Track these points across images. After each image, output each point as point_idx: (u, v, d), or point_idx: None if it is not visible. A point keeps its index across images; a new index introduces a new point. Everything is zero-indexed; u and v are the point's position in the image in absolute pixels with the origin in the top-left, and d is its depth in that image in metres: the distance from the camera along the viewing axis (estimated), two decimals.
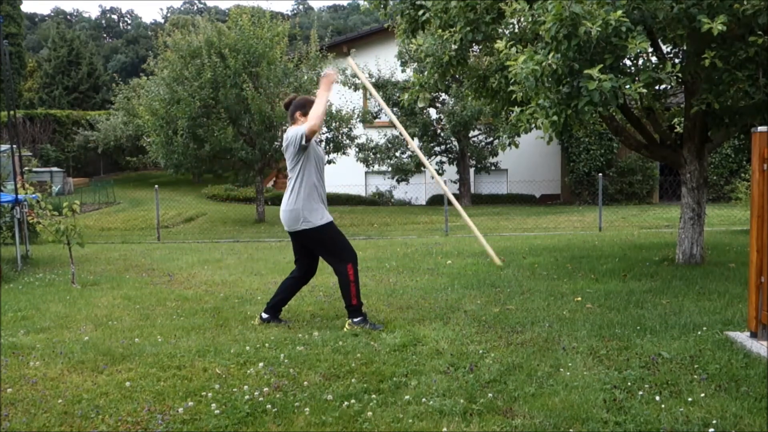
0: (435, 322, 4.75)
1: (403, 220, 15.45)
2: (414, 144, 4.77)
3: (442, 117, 17.68)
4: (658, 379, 3.41)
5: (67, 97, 32.57)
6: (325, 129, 16.48)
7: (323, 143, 16.56)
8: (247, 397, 3.29)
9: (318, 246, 4.66)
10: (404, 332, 4.42)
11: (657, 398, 3.14)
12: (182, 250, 10.50)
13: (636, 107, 7.38)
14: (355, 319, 4.59)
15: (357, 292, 4.60)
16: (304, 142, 4.47)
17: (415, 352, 3.99)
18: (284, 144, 4.61)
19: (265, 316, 4.84)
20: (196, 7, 68.62)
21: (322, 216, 4.54)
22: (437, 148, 18.33)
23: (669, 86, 6.35)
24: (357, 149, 17.90)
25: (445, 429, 2.90)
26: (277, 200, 19.91)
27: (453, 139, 18.05)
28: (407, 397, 3.26)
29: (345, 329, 4.55)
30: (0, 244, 8.92)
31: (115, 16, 74.91)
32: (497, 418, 3.00)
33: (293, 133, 4.52)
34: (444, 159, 18.54)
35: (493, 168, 18.90)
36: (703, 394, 3.17)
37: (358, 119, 17.08)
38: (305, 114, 4.60)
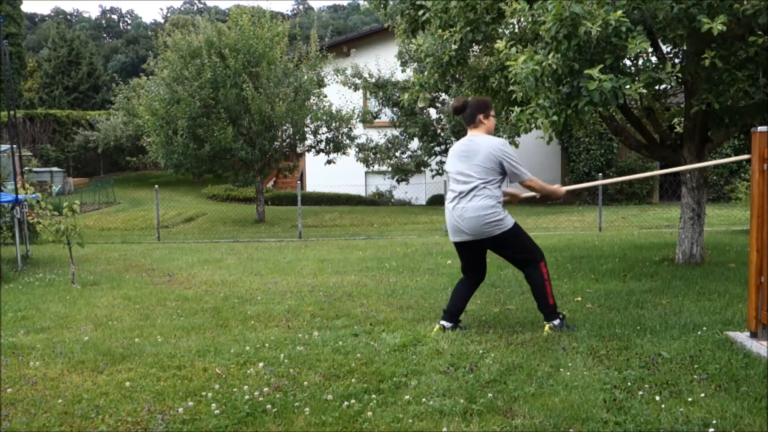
0: (435, 322, 4.74)
1: (403, 220, 15.45)
2: None
3: (442, 117, 17.68)
4: (658, 379, 3.41)
5: (67, 97, 32.56)
6: (325, 129, 16.49)
7: (323, 143, 16.58)
8: (247, 397, 3.29)
9: (509, 247, 4.45)
10: (404, 332, 4.42)
11: (657, 398, 3.14)
12: (182, 250, 10.50)
13: (636, 107, 7.38)
14: (555, 322, 4.39)
15: (551, 290, 4.45)
16: (515, 182, 4.40)
17: (415, 352, 3.99)
18: (492, 156, 4.29)
19: (448, 324, 4.51)
20: (196, 7, 68.61)
21: (510, 218, 4.39)
22: (437, 148, 18.32)
23: (669, 86, 6.34)
24: (357, 149, 17.89)
25: (445, 429, 2.90)
26: (276, 200, 19.99)
27: (453, 139, 18.02)
28: (407, 397, 3.26)
29: (546, 332, 4.36)
30: (0, 244, 8.92)
31: (115, 16, 74.92)
32: (497, 418, 3.00)
33: (511, 153, 4.31)
34: (444, 159, 18.52)
35: None
36: (703, 394, 3.17)
37: (358, 119, 17.08)
38: (487, 117, 4.46)
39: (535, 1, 5.15)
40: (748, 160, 4.09)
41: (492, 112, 4.51)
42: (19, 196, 8.20)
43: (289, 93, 15.06)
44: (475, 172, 4.32)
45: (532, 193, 4.59)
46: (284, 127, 15.54)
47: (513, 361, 3.75)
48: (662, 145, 7.36)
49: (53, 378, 3.69)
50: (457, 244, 4.52)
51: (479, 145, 4.35)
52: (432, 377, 3.52)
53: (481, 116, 4.46)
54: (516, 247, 4.44)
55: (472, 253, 4.54)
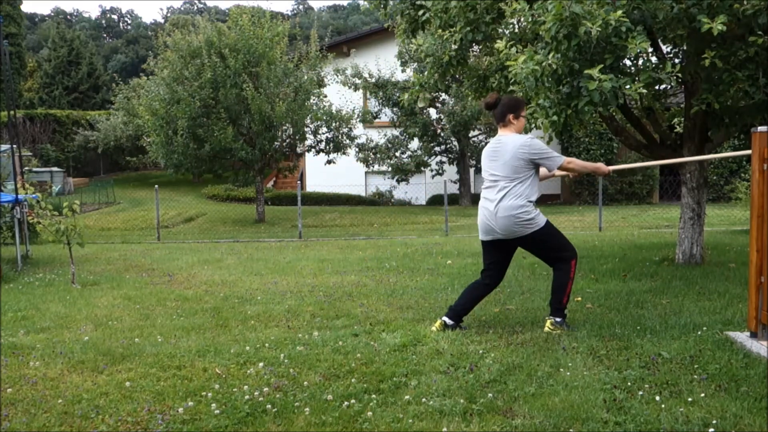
0: (435, 322, 4.74)
1: (403, 220, 15.44)
2: None
3: (442, 117, 17.68)
4: (658, 379, 3.41)
5: (67, 97, 32.56)
6: (325, 129, 16.49)
7: (323, 143, 16.57)
8: (247, 397, 3.29)
9: (541, 246, 4.45)
10: (404, 332, 4.42)
11: (657, 398, 3.14)
12: (182, 250, 10.50)
13: (636, 107, 7.38)
14: (558, 319, 4.42)
15: (570, 291, 4.45)
16: (553, 170, 4.40)
17: (415, 352, 3.99)
18: (517, 156, 4.30)
19: (450, 322, 4.52)
20: (196, 7, 68.63)
21: (541, 216, 4.38)
22: (437, 148, 18.33)
23: (669, 86, 6.34)
24: (357, 149, 17.90)
25: (445, 429, 2.90)
26: (276, 200, 19.99)
27: (453, 139, 18.05)
28: (407, 397, 3.26)
29: (546, 328, 4.39)
30: (0, 244, 8.92)
31: (115, 16, 74.92)
32: (497, 418, 3.00)
33: (538, 146, 4.30)
34: (444, 159, 18.53)
35: None
36: (703, 394, 3.17)
37: (358, 119, 17.08)
38: (518, 117, 4.45)
39: (535, 1, 5.15)
40: (749, 160, 4.10)
41: (523, 113, 4.51)
42: (19, 196, 8.20)
43: (289, 93, 15.06)
44: (503, 172, 4.35)
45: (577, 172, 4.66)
46: (284, 127, 15.53)
47: (513, 361, 3.75)
48: (662, 145, 7.36)
49: (53, 378, 3.69)
50: (485, 242, 4.54)
51: (506, 144, 4.37)
52: (432, 377, 3.52)
53: (511, 116, 4.46)
54: (549, 245, 4.45)
55: (501, 251, 4.55)
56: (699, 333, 4.20)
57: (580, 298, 5.48)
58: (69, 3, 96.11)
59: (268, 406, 3.17)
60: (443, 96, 17.76)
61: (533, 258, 8.01)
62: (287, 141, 16.02)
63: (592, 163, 4.58)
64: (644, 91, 4.89)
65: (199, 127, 14.56)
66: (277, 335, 4.51)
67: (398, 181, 18.67)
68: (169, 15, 61.27)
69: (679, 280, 6.12)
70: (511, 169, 4.32)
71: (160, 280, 7.22)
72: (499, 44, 5.36)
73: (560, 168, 4.43)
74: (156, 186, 13.67)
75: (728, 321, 4.51)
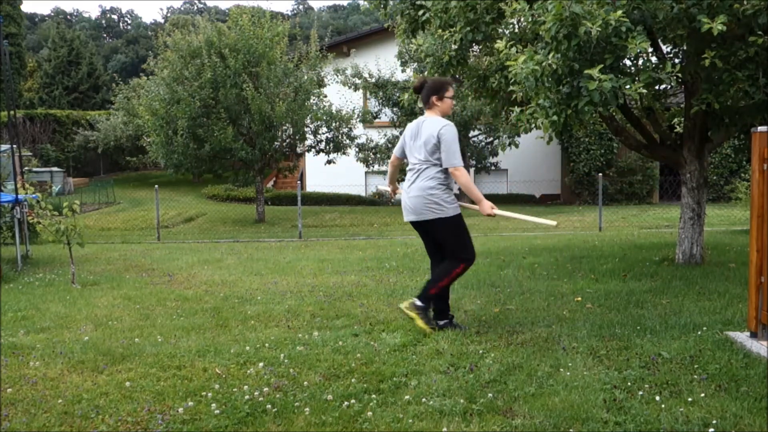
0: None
1: (403, 220, 15.41)
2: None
3: None
4: (658, 379, 3.41)
5: (67, 97, 32.56)
6: (325, 129, 16.48)
7: (323, 143, 16.56)
8: (247, 397, 3.29)
9: (443, 235, 4.41)
10: (404, 332, 4.42)
11: (657, 398, 3.14)
12: (182, 250, 10.50)
13: (636, 107, 7.38)
14: (419, 303, 4.37)
15: (444, 287, 4.42)
16: (449, 166, 4.27)
17: (415, 352, 3.99)
18: (435, 137, 4.27)
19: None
20: (196, 7, 68.64)
21: (454, 208, 4.34)
22: None
23: (669, 86, 6.34)
24: (357, 149, 17.89)
25: (445, 429, 2.90)
26: (276, 200, 19.98)
27: None
28: (407, 397, 3.26)
29: (404, 305, 4.39)
30: (0, 244, 8.92)
31: (115, 16, 74.94)
32: (497, 418, 3.00)
33: (449, 136, 4.23)
34: None
35: (493, 168, 18.89)
36: (703, 394, 3.17)
37: (358, 119, 17.08)
38: (441, 98, 4.40)
39: (535, 1, 5.15)
40: (749, 160, 4.10)
41: (448, 94, 4.43)
42: (19, 196, 8.20)
43: (289, 93, 15.05)
44: (420, 154, 4.39)
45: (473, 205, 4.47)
46: (284, 127, 15.52)
47: (513, 361, 3.75)
48: (662, 145, 7.36)
49: (53, 378, 3.69)
50: (412, 225, 4.59)
51: (425, 126, 4.38)
52: (432, 377, 3.52)
53: (434, 98, 4.43)
54: (450, 239, 4.41)
55: (427, 235, 4.57)
56: (699, 333, 4.21)
57: (580, 298, 5.48)
58: (69, 3, 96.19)
59: (268, 406, 3.17)
60: None
61: (533, 258, 8.03)
62: (287, 141, 16.01)
63: (481, 195, 4.34)
64: (644, 91, 4.89)
65: (199, 127, 14.56)
66: (277, 335, 4.51)
67: (398, 182, 18.66)
68: (169, 15, 61.28)
69: (679, 280, 6.12)
70: (425, 152, 4.35)
71: (160, 280, 7.22)
72: (499, 44, 5.36)
73: (450, 170, 4.29)
74: (156, 186, 13.67)
75: (728, 321, 4.51)
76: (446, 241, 4.43)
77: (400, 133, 18.20)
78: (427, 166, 4.35)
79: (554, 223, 4.42)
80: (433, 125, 4.34)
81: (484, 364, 3.70)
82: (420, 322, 4.37)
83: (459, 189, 4.47)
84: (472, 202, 4.44)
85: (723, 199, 16.41)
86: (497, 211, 4.38)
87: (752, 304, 3.89)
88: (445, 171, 4.31)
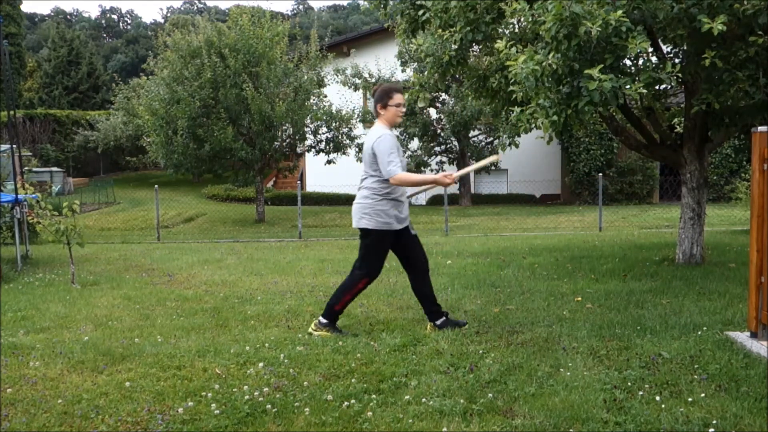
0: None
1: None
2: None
3: (442, 117, 17.68)
4: (658, 379, 3.41)
5: (67, 97, 32.56)
6: (325, 129, 16.48)
7: (323, 143, 16.56)
8: (247, 397, 3.29)
9: (361, 244, 4.47)
10: (404, 332, 4.42)
11: (657, 398, 3.14)
12: (182, 250, 10.49)
13: (636, 107, 7.38)
14: (324, 320, 4.47)
15: (347, 303, 4.50)
16: (387, 177, 4.25)
17: (415, 352, 3.99)
18: (370, 149, 4.32)
19: (438, 322, 4.51)
20: (196, 7, 68.64)
21: (380, 223, 4.33)
22: (437, 148, 18.32)
23: (669, 86, 6.34)
24: (357, 149, 17.88)
25: (445, 429, 2.90)
26: (276, 200, 19.98)
27: (453, 139, 18.04)
28: (407, 397, 3.26)
29: (310, 329, 4.49)
30: (0, 244, 8.92)
31: (115, 16, 74.93)
32: (497, 418, 3.00)
33: (381, 147, 4.23)
34: (444, 159, 18.53)
35: (493, 168, 18.90)
36: (703, 394, 3.17)
37: (358, 119, 17.08)
38: (384, 106, 4.38)
39: (535, 1, 5.15)
40: (749, 160, 4.10)
41: (391, 101, 4.37)
42: (19, 196, 8.20)
43: (289, 93, 15.05)
44: (364, 164, 4.42)
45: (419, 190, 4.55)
46: (284, 127, 15.53)
47: (513, 361, 3.75)
48: (662, 145, 7.36)
49: (53, 378, 3.69)
50: None
51: (367, 138, 4.43)
52: (432, 377, 3.52)
53: (378, 106, 4.42)
54: (363, 249, 4.48)
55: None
56: (699, 333, 4.21)
57: (580, 298, 5.48)
58: (69, 3, 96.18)
59: (268, 406, 3.17)
60: (443, 96, 17.77)
61: (533, 258, 8.03)
62: (287, 141, 16.01)
63: (428, 176, 4.34)
64: (644, 91, 4.89)
65: (199, 127, 14.56)
66: (277, 335, 4.51)
67: None
68: (169, 15, 61.29)
69: (679, 280, 6.12)
70: (365, 163, 4.40)
71: (160, 280, 7.22)
72: (499, 44, 5.36)
73: (391, 181, 4.25)
74: (156, 186, 13.67)
75: (728, 321, 4.51)
76: (362, 250, 4.49)
77: (400, 133, 18.27)
78: (365, 176, 4.41)
79: (496, 157, 4.56)
80: (370, 137, 4.36)
81: (484, 364, 3.70)
82: (326, 333, 4.41)
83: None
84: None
85: (723, 199, 16.40)
86: (455, 174, 4.39)
87: (752, 304, 3.89)
88: (386, 181, 4.31)
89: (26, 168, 15.12)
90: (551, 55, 4.87)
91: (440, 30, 6.27)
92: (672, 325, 4.41)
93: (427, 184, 4.44)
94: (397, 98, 4.41)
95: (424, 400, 3.21)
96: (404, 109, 4.47)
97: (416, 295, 4.69)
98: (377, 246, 4.43)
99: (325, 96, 16.42)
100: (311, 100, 15.84)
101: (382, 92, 4.43)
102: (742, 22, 5.17)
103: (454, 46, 6.20)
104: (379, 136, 4.29)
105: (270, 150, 15.37)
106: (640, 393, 3.21)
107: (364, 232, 4.41)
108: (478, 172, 19.35)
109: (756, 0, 4.94)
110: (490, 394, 3.25)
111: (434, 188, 4.37)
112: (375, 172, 4.33)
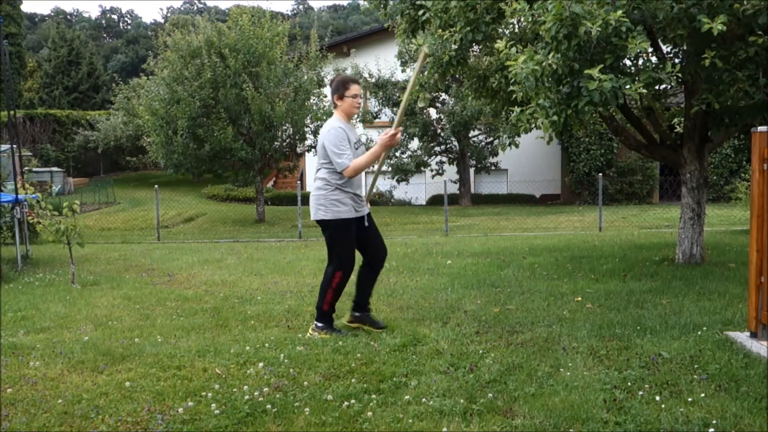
0: (435, 322, 4.75)
1: (403, 220, 15.44)
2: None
3: (442, 117, 17.68)
4: (658, 379, 3.41)
5: (67, 97, 32.56)
6: None
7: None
8: (247, 397, 3.29)
9: (326, 238, 4.45)
10: (404, 332, 4.42)
11: (657, 398, 3.14)
12: (182, 250, 10.49)
13: (636, 107, 7.38)
14: (319, 324, 4.46)
15: (332, 300, 4.46)
16: (339, 170, 4.24)
17: (415, 352, 3.99)
18: (321, 142, 4.33)
19: (358, 314, 4.58)
20: (196, 7, 68.64)
21: (339, 213, 4.31)
22: (437, 148, 18.33)
23: (669, 86, 6.34)
24: None
25: (445, 429, 2.90)
26: (276, 200, 19.97)
27: (453, 139, 18.05)
28: (407, 397, 3.26)
29: (308, 333, 4.47)
30: (0, 244, 8.92)
31: (115, 16, 74.94)
32: (497, 418, 3.00)
33: (331, 141, 4.22)
34: (444, 159, 18.54)
35: (493, 168, 18.90)
36: (703, 394, 3.17)
37: (358, 119, 17.08)
38: (341, 97, 4.35)
39: (535, 1, 5.15)
40: (749, 160, 4.11)
41: (347, 92, 4.33)
42: (19, 196, 8.20)
43: (289, 93, 15.05)
44: (318, 155, 4.42)
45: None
46: (284, 127, 15.53)
47: (513, 361, 3.75)
48: (662, 145, 7.36)
49: (53, 378, 3.69)
50: None
51: (323, 127, 4.40)
52: (432, 377, 3.52)
53: (335, 97, 4.40)
54: (327, 242, 4.46)
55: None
56: (699, 333, 4.21)
57: (580, 298, 5.48)
58: (69, 3, 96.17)
59: (268, 406, 3.17)
60: (443, 96, 17.77)
61: (533, 258, 8.03)
62: (287, 141, 16.01)
63: (372, 150, 4.24)
64: (644, 91, 4.89)
65: (199, 127, 14.56)
66: (277, 335, 4.51)
67: (398, 181, 18.67)
68: (169, 15, 61.27)
69: (679, 280, 6.12)
70: (319, 154, 4.39)
71: (160, 280, 7.22)
72: (499, 44, 5.36)
73: (345, 173, 4.24)
74: (156, 186, 13.67)
75: (728, 321, 4.51)
76: (328, 245, 4.47)
77: (400, 133, 18.28)
78: (318, 167, 4.40)
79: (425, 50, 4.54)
80: (323, 130, 4.36)
81: (484, 364, 3.70)
82: (325, 335, 4.39)
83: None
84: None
85: (723, 199, 16.40)
86: (392, 129, 4.30)
87: (752, 304, 3.89)
88: (335, 172, 4.30)
89: (26, 168, 15.11)
90: (551, 55, 4.87)
91: (440, 30, 6.27)
92: (672, 325, 4.41)
93: (378, 157, 4.35)
94: (354, 89, 4.38)
95: (424, 400, 3.21)
96: (361, 101, 4.45)
97: (356, 283, 4.61)
98: (340, 236, 4.38)
99: (325, 96, 16.42)
100: (311, 100, 15.85)
101: (338, 83, 4.39)
102: (742, 22, 5.17)
103: (454, 46, 6.20)
104: (329, 130, 4.30)
105: (270, 150, 15.37)
106: (640, 393, 3.21)
107: (324, 224, 4.38)
108: (478, 172, 19.36)
109: (756, 0, 4.94)
110: (490, 394, 3.26)
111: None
112: (327, 163, 4.33)
